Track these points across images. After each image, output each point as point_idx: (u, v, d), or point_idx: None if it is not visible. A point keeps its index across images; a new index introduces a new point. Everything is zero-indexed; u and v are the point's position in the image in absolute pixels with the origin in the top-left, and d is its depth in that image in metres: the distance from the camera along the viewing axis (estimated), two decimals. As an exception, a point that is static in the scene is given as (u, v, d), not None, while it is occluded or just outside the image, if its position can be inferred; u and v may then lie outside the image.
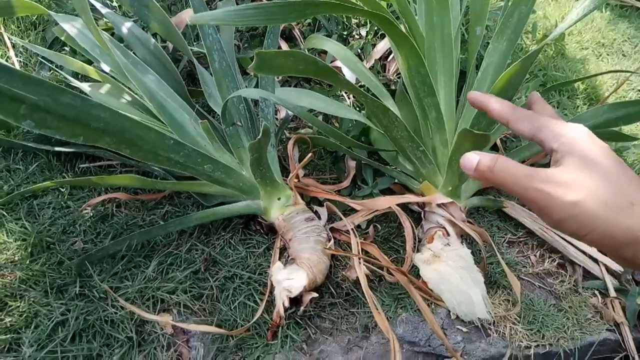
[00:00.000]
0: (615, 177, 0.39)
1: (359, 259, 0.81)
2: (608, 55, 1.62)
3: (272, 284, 0.79)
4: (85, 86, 0.93)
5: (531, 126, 0.45)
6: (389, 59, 1.24)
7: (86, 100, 0.58)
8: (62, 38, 1.05)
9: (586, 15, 0.69)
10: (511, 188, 0.42)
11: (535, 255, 0.97)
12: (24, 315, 0.75)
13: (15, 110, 0.54)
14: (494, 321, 0.83)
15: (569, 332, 0.84)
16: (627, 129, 1.29)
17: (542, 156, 1.05)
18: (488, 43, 0.92)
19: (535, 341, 0.82)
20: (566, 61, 1.49)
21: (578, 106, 1.34)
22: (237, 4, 1.25)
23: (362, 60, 1.21)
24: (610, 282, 0.91)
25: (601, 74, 0.92)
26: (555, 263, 0.96)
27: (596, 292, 0.92)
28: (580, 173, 0.40)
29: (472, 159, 0.45)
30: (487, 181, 0.44)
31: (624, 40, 1.71)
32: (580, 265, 0.94)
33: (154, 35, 1.10)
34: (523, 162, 1.02)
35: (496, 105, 0.49)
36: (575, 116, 0.90)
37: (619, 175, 0.39)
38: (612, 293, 0.90)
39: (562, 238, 0.97)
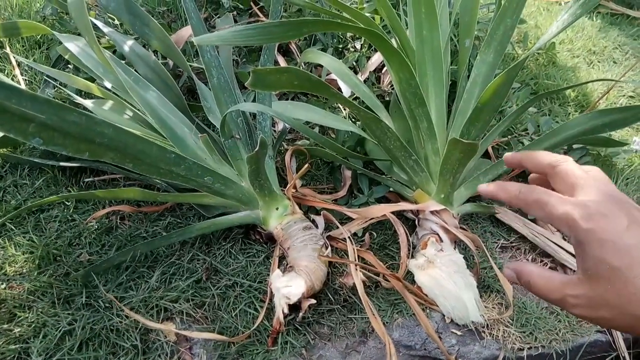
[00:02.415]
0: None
1: (356, 265, 0.84)
2: (599, 62, 1.65)
3: (271, 292, 0.82)
4: (88, 103, 0.96)
5: (543, 214, 0.41)
6: (383, 71, 1.28)
7: (91, 117, 0.61)
8: (66, 57, 1.08)
9: (565, 28, 0.73)
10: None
11: (527, 260, 0.99)
12: (33, 326, 0.77)
13: (25, 129, 0.57)
14: (488, 324, 0.85)
15: (561, 334, 0.86)
16: (617, 135, 1.32)
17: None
18: (478, 53, 0.96)
19: (528, 343, 0.85)
20: (557, 69, 1.52)
21: (569, 113, 1.37)
22: (235, 19, 1.29)
23: (356, 72, 1.25)
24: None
25: (588, 82, 0.94)
26: (547, 267, 0.98)
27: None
28: (605, 288, 0.36)
29: (508, 274, 0.44)
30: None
31: (615, 47, 1.74)
32: (571, 269, 0.97)
33: (155, 52, 1.14)
34: (513, 169, 1.05)
35: (503, 195, 0.45)
36: (562, 124, 0.92)
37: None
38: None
39: (554, 242, 0.99)
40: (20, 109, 0.55)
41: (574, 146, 1.11)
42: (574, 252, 0.40)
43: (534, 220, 1.04)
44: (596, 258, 0.37)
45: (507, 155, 0.48)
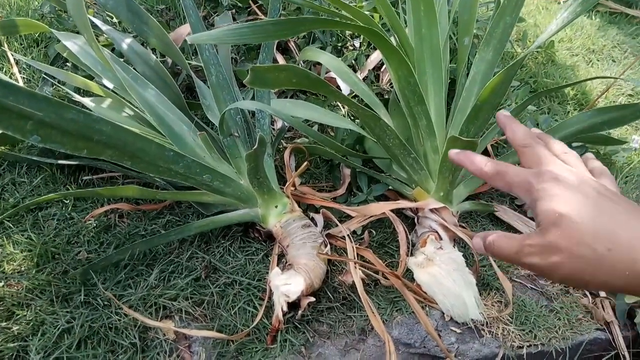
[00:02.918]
0: (589, 224, 0.39)
1: (355, 263, 0.84)
2: (598, 61, 1.65)
3: (270, 290, 0.82)
4: (87, 101, 0.96)
5: (503, 183, 0.45)
6: (382, 69, 1.28)
7: (89, 115, 0.61)
8: (65, 55, 1.08)
9: (565, 26, 0.73)
10: (509, 262, 0.46)
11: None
12: (31, 324, 0.77)
13: (23, 127, 0.57)
14: (487, 322, 0.85)
15: (560, 331, 0.86)
16: (616, 133, 1.32)
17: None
18: (477, 52, 0.96)
19: (528, 341, 0.85)
20: (556, 68, 1.52)
21: (568, 112, 1.37)
22: (234, 18, 1.29)
23: (356, 70, 1.25)
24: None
25: (588, 79, 0.95)
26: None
27: (586, 292, 0.94)
28: (555, 234, 0.39)
29: (476, 243, 0.47)
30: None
31: (614, 46, 1.74)
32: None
33: (153, 50, 1.14)
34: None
35: (470, 166, 0.48)
36: (561, 122, 0.92)
37: (595, 218, 0.39)
38: (602, 293, 0.92)
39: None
40: (18, 107, 0.55)
41: (573, 144, 1.11)
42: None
43: (533, 218, 1.04)
44: (548, 209, 0.40)
45: (501, 112, 0.51)
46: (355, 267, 0.83)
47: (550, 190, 0.41)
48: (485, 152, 1.16)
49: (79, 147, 0.62)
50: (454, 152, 0.49)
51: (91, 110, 0.87)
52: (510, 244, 0.42)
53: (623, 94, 1.49)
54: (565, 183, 0.41)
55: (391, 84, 1.22)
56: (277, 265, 0.87)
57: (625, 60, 1.68)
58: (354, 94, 1.15)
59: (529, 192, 0.42)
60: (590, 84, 1.47)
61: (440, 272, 0.85)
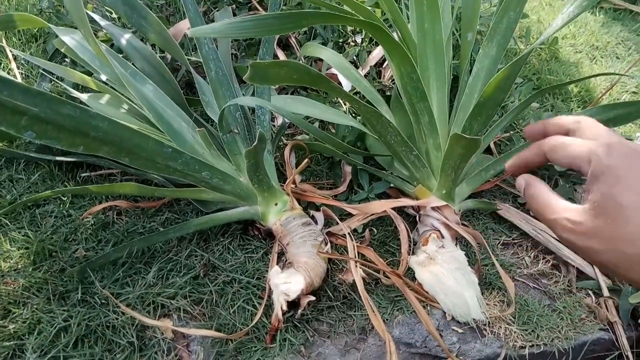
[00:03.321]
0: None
1: (356, 262, 0.83)
2: (602, 58, 1.64)
3: (270, 288, 0.81)
4: (85, 97, 0.95)
5: (564, 154, 0.42)
6: (384, 66, 1.26)
7: (85, 110, 0.60)
8: (63, 50, 1.07)
9: (571, 21, 0.71)
10: (540, 219, 0.44)
11: (529, 257, 0.98)
12: (27, 322, 0.76)
13: (17, 122, 0.56)
14: (489, 322, 0.84)
15: (563, 331, 0.85)
16: (620, 131, 1.30)
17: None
18: (481, 47, 0.94)
19: (530, 341, 0.83)
20: (560, 64, 1.50)
21: (572, 109, 1.35)
22: (234, 13, 1.27)
23: (357, 67, 1.23)
24: (603, 282, 0.93)
25: (592, 76, 0.93)
26: (550, 264, 0.97)
27: (590, 292, 0.93)
28: (606, 222, 0.37)
29: (519, 184, 0.46)
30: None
31: (618, 43, 1.73)
32: (573, 266, 0.95)
33: (152, 45, 1.12)
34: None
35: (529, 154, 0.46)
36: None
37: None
38: (606, 293, 0.91)
39: (556, 239, 0.98)
40: (12, 102, 0.54)
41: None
42: (586, 188, 0.40)
43: (536, 217, 1.03)
44: (607, 193, 0.37)
45: (527, 128, 0.49)
46: (356, 266, 0.82)
47: (618, 171, 0.37)
48: (488, 150, 1.14)
49: (75, 143, 0.61)
50: (509, 163, 0.49)
51: (88, 106, 0.86)
52: (550, 206, 0.41)
53: (627, 91, 1.47)
54: (635, 167, 0.37)
55: (393, 80, 1.21)
56: (277, 263, 0.86)
57: (629, 57, 1.66)
58: (355, 91, 1.14)
59: (595, 164, 0.39)
60: (594, 81, 1.46)
61: (442, 271, 0.84)
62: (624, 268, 0.37)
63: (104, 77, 0.96)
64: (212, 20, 1.26)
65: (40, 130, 0.57)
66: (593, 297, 0.92)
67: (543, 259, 0.98)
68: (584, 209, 0.39)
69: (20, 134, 0.56)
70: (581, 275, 0.96)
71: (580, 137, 0.42)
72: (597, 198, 0.38)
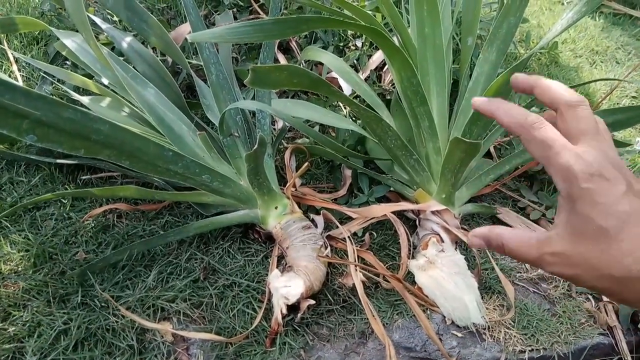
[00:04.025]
0: (634, 242, 0.34)
1: (355, 266, 0.83)
2: (602, 62, 1.64)
3: (270, 292, 0.81)
4: (86, 100, 0.95)
5: (542, 155, 0.38)
6: (384, 69, 1.26)
7: (86, 114, 0.60)
8: (64, 53, 1.07)
9: (570, 26, 0.71)
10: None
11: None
12: (27, 325, 0.76)
13: (18, 126, 0.56)
14: (489, 326, 0.84)
15: (563, 336, 0.85)
16: (620, 135, 1.31)
17: (534, 163, 1.06)
18: (481, 52, 0.95)
19: (530, 346, 0.83)
20: (560, 69, 1.51)
21: (572, 113, 1.35)
22: (235, 16, 1.28)
23: (357, 70, 1.24)
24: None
25: (591, 82, 0.93)
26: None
27: (589, 296, 0.93)
28: (588, 248, 0.35)
29: (474, 242, 0.42)
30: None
31: (617, 47, 1.73)
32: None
33: (153, 49, 1.13)
34: (516, 169, 1.04)
35: (505, 117, 0.40)
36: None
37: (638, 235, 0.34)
38: (605, 297, 0.91)
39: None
40: (13, 105, 0.54)
41: (577, 146, 1.10)
42: (558, 207, 0.37)
43: (535, 221, 1.03)
44: (585, 216, 0.35)
45: (517, 75, 0.42)
46: (356, 270, 0.82)
47: (596, 196, 0.35)
48: (488, 154, 1.15)
49: (76, 147, 0.61)
50: (479, 101, 0.41)
51: (89, 109, 0.86)
52: (526, 249, 0.38)
53: (627, 95, 1.48)
54: (613, 187, 0.35)
55: (393, 84, 1.21)
56: (277, 267, 0.86)
57: (629, 62, 1.67)
58: (355, 95, 1.14)
59: (570, 184, 0.35)
60: (594, 85, 1.46)
61: (442, 275, 0.84)
62: (616, 291, 0.36)
63: (105, 81, 0.97)
64: (213, 24, 1.27)
65: (42, 133, 0.57)
66: (593, 302, 0.92)
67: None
68: (558, 236, 0.36)
69: (21, 138, 0.56)
70: (581, 279, 0.96)
71: (561, 126, 0.38)
72: (575, 222, 0.36)
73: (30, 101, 0.55)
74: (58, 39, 1.02)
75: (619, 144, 1.12)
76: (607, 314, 0.89)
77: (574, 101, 0.38)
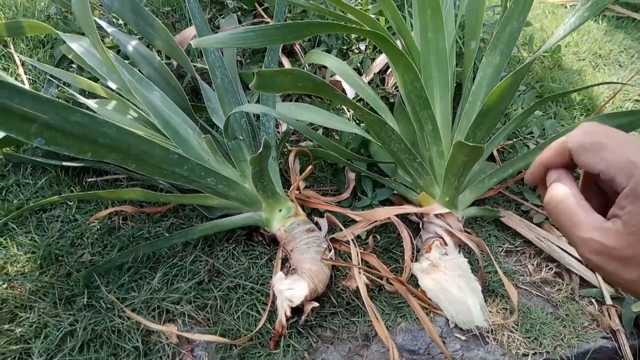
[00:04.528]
0: None
1: (359, 269, 0.83)
2: (605, 65, 1.64)
3: (274, 294, 0.81)
4: (92, 103, 0.96)
5: (597, 159, 0.35)
6: (387, 72, 1.27)
7: (94, 118, 0.61)
8: (70, 56, 1.08)
9: (572, 31, 0.72)
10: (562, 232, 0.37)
11: (532, 264, 0.98)
12: (34, 326, 0.77)
13: (27, 129, 0.57)
14: (492, 329, 0.84)
15: (566, 339, 0.85)
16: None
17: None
18: (484, 56, 0.95)
19: (533, 349, 0.84)
20: (563, 72, 1.51)
21: (575, 117, 1.36)
22: (240, 20, 1.29)
23: (361, 74, 1.24)
24: (606, 290, 0.93)
25: (594, 85, 0.94)
26: (552, 272, 0.97)
27: (592, 300, 0.93)
28: (628, 241, 0.33)
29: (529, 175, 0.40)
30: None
31: (621, 51, 1.73)
32: (576, 274, 0.96)
33: (158, 52, 1.14)
34: (519, 172, 1.04)
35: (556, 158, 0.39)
36: (567, 128, 0.92)
37: None
38: (609, 301, 0.91)
39: (559, 247, 0.98)
40: (22, 109, 0.55)
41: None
42: (619, 203, 0.33)
43: (539, 225, 1.04)
44: None
45: (526, 175, 0.43)
46: (360, 273, 0.83)
47: None
48: (491, 157, 1.15)
49: (83, 150, 0.62)
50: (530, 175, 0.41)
51: (96, 112, 0.87)
52: (574, 219, 0.35)
53: (630, 99, 1.48)
54: None
55: (397, 87, 1.21)
56: (281, 269, 0.87)
57: (632, 65, 1.67)
58: (359, 98, 1.14)
59: (633, 179, 0.33)
60: (597, 89, 1.46)
61: (445, 278, 0.85)
62: None
63: (111, 84, 0.97)
64: (218, 27, 1.27)
65: (50, 137, 0.58)
66: (596, 305, 0.92)
67: (546, 267, 0.98)
68: (618, 230, 0.34)
69: (30, 141, 0.57)
70: (584, 283, 0.96)
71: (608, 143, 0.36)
72: (637, 221, 0.33)
73: (38, 105, 0.56)
74: (64, 42, 1.03)
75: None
76: (610, 317, 0.89)
77: (563, 139, 0.38)
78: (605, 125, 0.36)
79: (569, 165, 0.39)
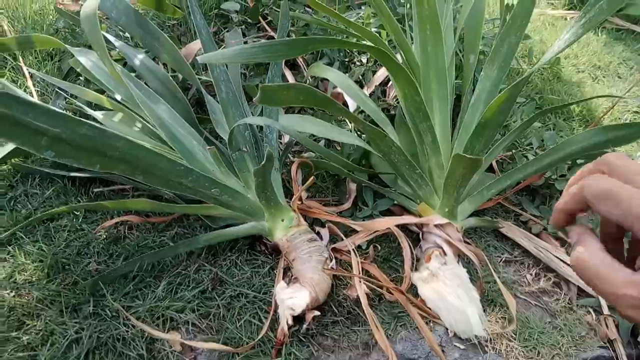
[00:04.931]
0: None
1: (360, 278, 0.85)
2: (604, 77, 1.66)
3: (276, 303, 0.83)
4: (99, 115, 0.98)
5: (611, 206, 0.34)
6: (388, 85, 1.29)
7: (103, 130, 0.63)
8: (79, 70, 1.10)
9: (572, 44, 0.74)
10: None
11: (531, 274, 1.00)
12: (41, 334, 0.78)
13: (38, 142, 0.59)
14: (491, 338, 0.86)
15: (564, 349, 0.87)
16: (621, 150, 1.32)
17: (536, 177, 1.08)
18: (483, 69, 0.97)
19: (531, 358, 0.85)
20: (562, 84, 1.53)
21: (574, 128, 1.38)
22: (244, 33, 1.31)
23: (362, 86, 1.26)
24: (603, 300, 0.94)
25: (593, 98, 0.96)
26: (551, 282, 0.98)
27: (590, 309, 0.94)
28: None
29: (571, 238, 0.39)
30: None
31: (620, 62, 1.75)
32: (574, 284, 0.97)
33: (164, 65, 1.16)
34: (518, 183, 1.06)
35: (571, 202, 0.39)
36: (566, 139, 0.93)
37: None
38: (606, 310, 0.93)
39: (557, 257, 1.00)
40: (33, 122, 0.57)
41: (578, 161, 1.12)
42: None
43: (537, 235, 1.05)
44: None
45: (551, 222, 0.42)
46: (360, 282, 0.84)
47: None
48: (491, 169, 1.17)
49: (92, 162, 0.64)
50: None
51: (103, 124, 0.89)
52: (606, 278, 0.34)
53: (629, 110, 1.50)
54: None
55: (397, 99, 1.24)
56: (283, 278, 0.88)
57: (631, 77, 1.69)
58: (360, 110, 1.16)
59: None
60: (596, 100, 1.48)
61: (445, 287, 0.86)
62: None
63: (118, 97, 1.00)
64: (222, 40, 1.30)
65: (60, 150, 0.60)
66: (593, 315, 0.93)
67: (544, 277, 0.99)
68: None
69: (40, 154, 0.59)
70: (582, 293, 0.97)
71: (624, 179, 0.35)
72: None
73: (49, 118, 0.58)
74: (72, 55, 1.05)
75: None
76: (607, 327, 0.90)
77: (577, 178, 0.38)
78: (624, 161, 0.36)
79: (588, 208, 0.39)
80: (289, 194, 1.05)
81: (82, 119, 0.60)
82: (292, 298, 0.81)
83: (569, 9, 2.11)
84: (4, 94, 0.54)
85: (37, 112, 0.57)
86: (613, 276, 0.34)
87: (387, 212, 1.05)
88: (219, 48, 1.09)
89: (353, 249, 0.90)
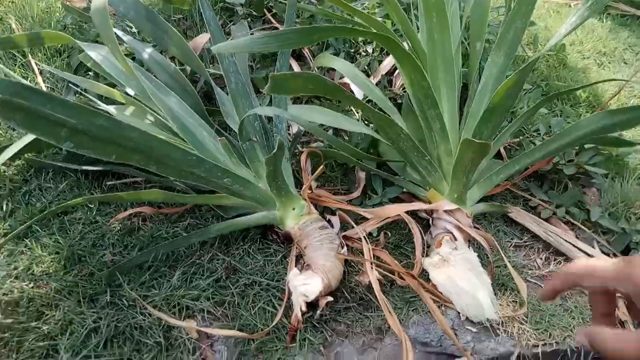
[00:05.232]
0: None
1: (371, 264, 0.86)
2: (609, 63, 1.66)
3: (289, 290, 0.84)
4: (111, 108, 0.99)
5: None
6: (395, 74, 1.30)
7: (118, 122, 0.64)
8: (89, 64, 1.12)
9: (576, 28, 0.74)
10: None
11: (541, 258, 1.00)
12: (59, 324, 0.80)
13: (57, 133, 0.60)
14: (502, 321, 0.87)
15: (575, 330, 0.87)
16: (628, 135, 1.32)
17: (544, 163, 1.09)
18: (489, 56, 0.98)
19: (543, 340, 0.86)
20: (568, 71, 1.53)
21: (581, 114, 1.38)
22: (250, 26, 1.32)
23: (369, 75, 1.27)
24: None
25: (599, 82, 0.96)
26: (561, 265, 0.99)
27: (600, 292, 0.95)
28: None
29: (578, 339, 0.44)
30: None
31: (625, 48, 1.75)
32: (584, 267, 0.98)
33: (172, 58, 1.17)
34: (526, 169, 1.06)
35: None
36: (573, 124, 0.94)
37: None
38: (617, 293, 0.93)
39: (567, 241, 1.00)
40: (53, 114, 0.58)
41: (586, 146, 1.12)
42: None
43: (546, 220, 1.06)
44: None
45: (541, 295, 0.47)
46: (372, 268, 0.85)
47: None
48: (498, 155, 1.17)
49: (108, 153, 0.65)
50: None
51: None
52: (626, 347, 0.38)
53: (635, 95, 1.49)
54: None
55: (404, 88, 1.24)
56: (296, 266, 0.89)
57: (637, 62, 1.68)
58: (367, 99, 1.17)
59: (633, 286, 0.37)
60: (602, 86, 1.48)
61: (456, 272, 0.87)
62: None
63: (129, 90, 1.01)
64: (228, 33, 1.31)
65: (78, 141, 0.62)
66: (604, 297, 0.94)
67: (554, 261, 1.00)
68: None
69: (60, 145, 0.60)
70: (592, 275, 0.98)
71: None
72: None
73: (66, 110, 0.60)
74: (81, 50, 1.06)
75: (627, 143, 1.14)
76: (618, 308, 0.91)
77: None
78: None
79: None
80: (298, 183, 1.06)
81: (97, 111, 0.61)
82: (305, 285, 0.82)
83: (573, -4, 2.10)
84: (20, 85, 0.56)
85: (54, 103, 0.58)
86: (629, 343, 0.37)
87: (397, 200, 1.06)
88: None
89: (364, 236, 0.91)
